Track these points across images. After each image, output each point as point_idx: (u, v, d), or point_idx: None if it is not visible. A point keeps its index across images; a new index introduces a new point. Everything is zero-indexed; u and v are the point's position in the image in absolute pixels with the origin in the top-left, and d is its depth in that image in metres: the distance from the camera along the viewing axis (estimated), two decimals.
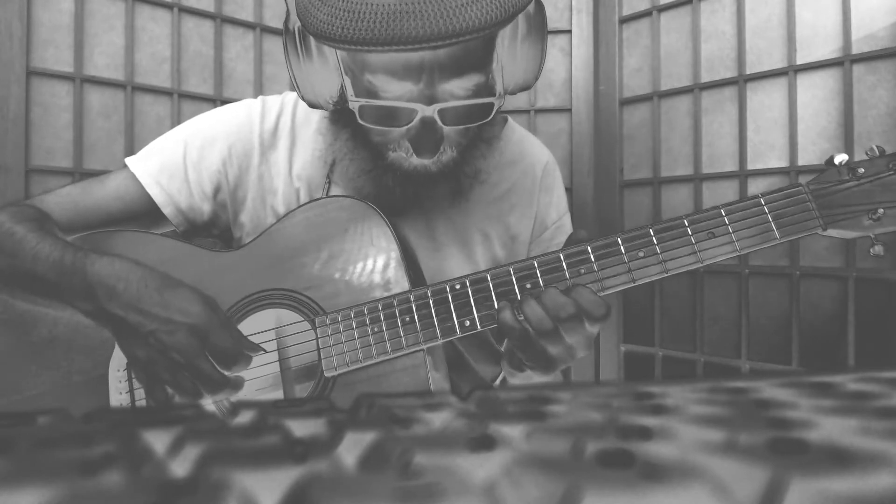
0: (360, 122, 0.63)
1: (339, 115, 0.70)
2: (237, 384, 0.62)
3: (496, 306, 0.61)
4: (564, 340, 0.59)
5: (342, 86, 0.65)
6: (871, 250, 0.59)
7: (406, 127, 0.63)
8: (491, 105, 0.64)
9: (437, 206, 0.74)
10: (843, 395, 0.19)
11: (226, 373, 0.61)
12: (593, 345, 0.64)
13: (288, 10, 0.64)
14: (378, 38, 0.53)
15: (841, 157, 0.60)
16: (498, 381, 0.80)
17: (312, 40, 0.63)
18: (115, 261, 0.63)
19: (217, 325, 0.61)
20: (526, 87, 0.68)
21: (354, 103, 0.62)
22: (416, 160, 0.65)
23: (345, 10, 0.55)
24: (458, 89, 0.62)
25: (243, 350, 0.62)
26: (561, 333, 0.58)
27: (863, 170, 0.59)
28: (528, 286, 0.61)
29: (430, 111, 0.61)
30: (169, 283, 0.62)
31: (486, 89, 0.64)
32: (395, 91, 0.61)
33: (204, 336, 0.60)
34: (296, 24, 0.63)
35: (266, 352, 0.65)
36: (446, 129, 0.64)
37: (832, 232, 0.60)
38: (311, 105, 0.68)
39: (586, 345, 0.61)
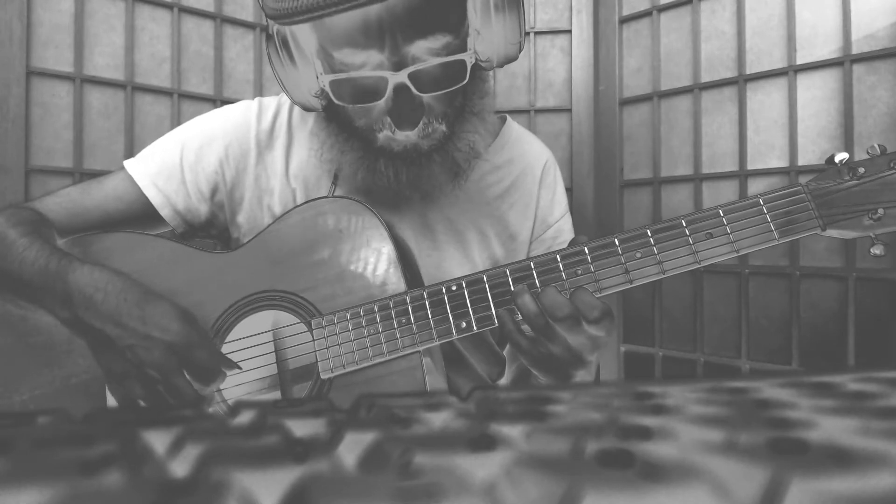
0: (336, 101, 0.63)
1: (328, 112, 0.70)
2: (207, 402, 0.63)
3: (493, 308, 0.61)
4: (563, 339, 0.58)
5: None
6: (871, 250, 0.59)
7: (384, 100, 0.62)
8: (463, 63, 0.62)
9: (437, 188, 0.72)
10: (843, 395, 0.19)
11: (201, 390, 0.62)
12: (602, 348, 0.63)
13: (268, 20, 0.64)
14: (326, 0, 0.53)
15: (841, 156, 0.60)
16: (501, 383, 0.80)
17: (292, 42, 0.63)
18: (96, 270, 0.62)
19: (195, 343, 0.61)
20: (511, 59, 0.67)
21: (325, 80, 0.62)
22: (401, 136, 0.64)
23: None
24: (425, 53, 0.60)
25: (221, 367, 0.62)
26: (557, 331, 0.58)
27: (863, 169, 0.58)
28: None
29: (401, 77, 0.59)
30: (148, 297, 0.62)
31: (458, 51, 0.62)
32: (363, 62, 0.60)
33: (181, 354, 0.60)
34: (274, 28, 0.63)
35: (241, 369, 0.66)
36: (426, 98, 0.63)
37: (832, 232, 0.59)
38: (303, 107, 0.68)
39: (591, 347, 0.60)
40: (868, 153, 0.60)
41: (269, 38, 0.65)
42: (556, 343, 0.59)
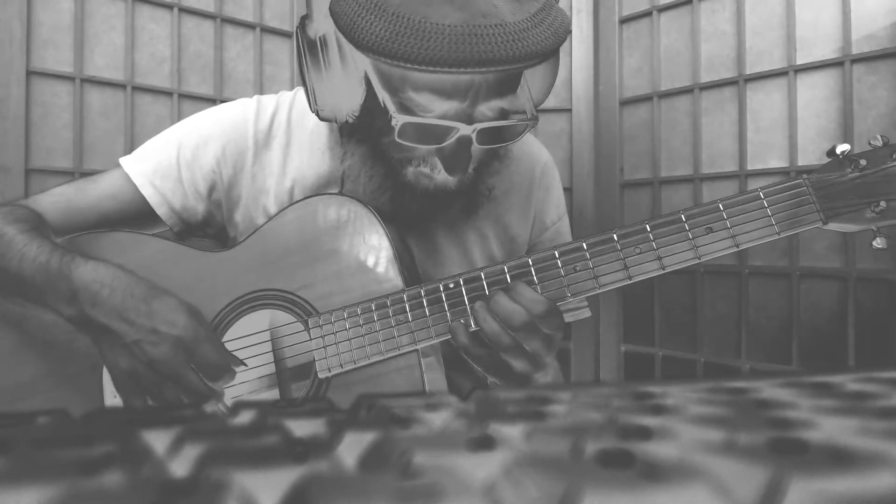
0: (398, 139, 0.60)
1: (353, 130, 0.67)
2: (218, 396, 0.63)
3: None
4: (521, 348, 0.58)
5: (364, 100, 0.62)
6: (874, 243, 0.57)
7: (437, 146, 0.61)
8: (524, 127, 0.63)
9: (450, 219, 0.74)
10: (843, 395, 0.19)
11: (211, 385, 0.61)
12: (556, 347, 0.62)
13: (309, 18, 0.61)
14: (445, 59, 0.52)
15: (842, 148, 0.58)
16: None
17: (338, 52, 0.60)
18: (101, 266, 0.62)
19: (203, 338, 0.60)
20: (537, 104, 0.68)
21: (398, 121, 0.59)
22: (440, 177, 0.64)
23: (408, 28, 0.52)
24: (495, 110, 0.61)
25: (229, 363, 0.62)
26: (521, 346, 0.58)
27: (865, 161, 0.57)
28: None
29: (469, 130, 0.59)
30: (154, 292, 0.61)
31: (515, 109, 0.63)
32: (438, 109, 0.59)
33: (190, 348, 0.60)
34: (318, 33, 0.61)
35: (247, 367, 0.65)
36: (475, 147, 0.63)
37: (833, 226, 0.58)
38: (325, 119, 0.65)
39: (547, 349, 0.59)
40: (870, 144, 0.58)
41: (309, 40, 0.61)
42: (520, 357, 0.59)
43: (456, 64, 0.52)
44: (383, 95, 0.60)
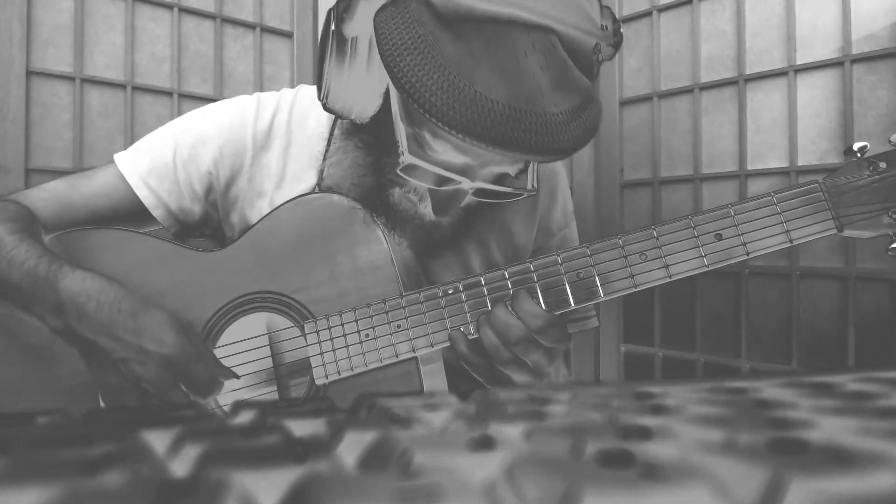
0: (399, 172, 0.59)
1: (354, 132, 0.66)
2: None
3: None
4: (525, 363, 0.58)
5: (378, 111, 0.61)
6: (890, 249, 0.55)
7: (434, 188, 0.61)
8: (520, 195, 0.63)
9: (420, 247, 0.72)
10: (843, 395, 0.19)
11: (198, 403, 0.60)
12: (558, 357, 0.61)
13: (347, 12, 0.58)
14: (479, 133, 0.50)
15: (860, 145, 0.55)
16: None
17: (367, 59, 0.58)
18: (87, 277, 0.59)
19: (192, 356, 0.59)
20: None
21: (405, 160, 0.58)
22: (425, 210, 0.64)
23: (451, 88, 0.50)
24: (499, 172, 0.61)
25: (218, 378, 0.61)
26: (520, 359, 0.57)
27: (884, 164, 0.54)
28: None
29: (469, 186, 0.59)
30: (142, 307, 0.59)
31: (518, 172, 0.63)
32: (447, 157, 0.58)
33: (178, 367, 0.58)
34: (353, 33, 0.58)
35: (238, 377, 0.64)
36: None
37: (849, 233, 0.55)
38: (331, 112, 0.63)
39: (548, 360, 0.59)
40: (891, 143, 0.55)
41: (341, 35, 0.59)
42: (521, 370, 0.58)
43: (488, 141, 0.51)
44: (399, 124, 0.58)
